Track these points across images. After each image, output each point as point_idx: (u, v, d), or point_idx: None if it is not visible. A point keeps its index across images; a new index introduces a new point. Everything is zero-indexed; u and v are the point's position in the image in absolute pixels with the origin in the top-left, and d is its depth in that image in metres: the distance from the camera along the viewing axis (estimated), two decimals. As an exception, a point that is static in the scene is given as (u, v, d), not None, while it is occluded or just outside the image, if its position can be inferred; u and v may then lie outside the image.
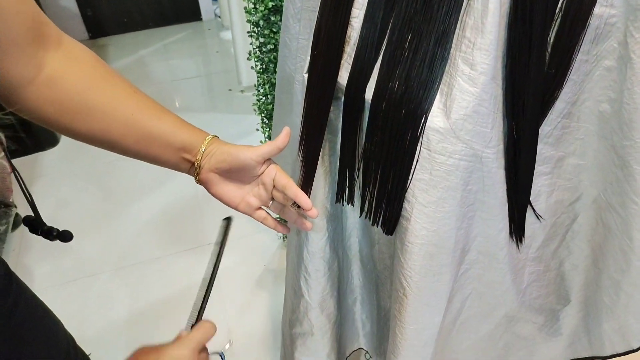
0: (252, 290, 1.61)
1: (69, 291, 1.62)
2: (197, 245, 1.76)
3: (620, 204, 0.55)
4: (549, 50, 0.49)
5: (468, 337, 0.71)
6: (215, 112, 2.49)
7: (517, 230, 0.58)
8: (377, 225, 0.60)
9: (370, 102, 0.54)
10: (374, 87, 0.53)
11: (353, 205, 0.66)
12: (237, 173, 0.61)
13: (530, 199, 0.58)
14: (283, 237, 1.71)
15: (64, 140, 2.34)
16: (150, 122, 0.58)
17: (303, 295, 0.80)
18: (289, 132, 0.59)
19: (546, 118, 0.53)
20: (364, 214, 0.62)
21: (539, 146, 0.55)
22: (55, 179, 2.12)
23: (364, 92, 0.54)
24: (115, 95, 0.56)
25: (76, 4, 3.20)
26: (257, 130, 1.35)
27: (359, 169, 0.61)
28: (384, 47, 0.52)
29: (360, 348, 0.98)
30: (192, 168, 0.62)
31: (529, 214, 0.59)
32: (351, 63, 0.55)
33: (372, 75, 0.54)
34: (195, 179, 0.64)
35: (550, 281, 0.67)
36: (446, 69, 0.50)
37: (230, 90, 2.62)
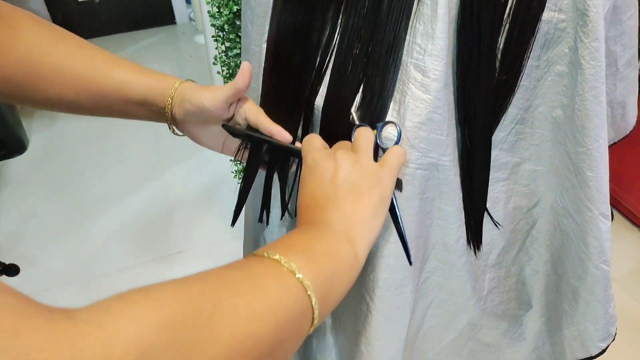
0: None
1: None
2: (167, 254, 1.73)
3: (576, 211, 0.55)
4: (499, 56, 0.48)
5: (432, 347, 0.70)
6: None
7: (474, 237, 0.57)
8: None
9: (320, 109, 0.53)
10: (324, 94, 0.52)
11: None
12: (207, 119, 0.55)
13: (488, 205, 0.57)
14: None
15: (32, 147, 2.28)
16: (100, 77, 0.53)
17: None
18: (249, 69, 0.51)
19: (500, 124, 0.53)
20: None
21: (494, 152, 0.54)
22: (22, 187, 2.06)
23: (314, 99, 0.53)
24: (60, 55, 0.52)
25: (46, 8, 3.13)
26: (226, 136, 1.34)
27: None
28: (333, 55, 0.51)
29: None
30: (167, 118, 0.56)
31: (487, 220, 0.58)
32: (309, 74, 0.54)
33: (322, 82, 0.53)
34: (170, 130, 0.59)
35: (511, 287, 0.67)
36: (398, 76, 0.49)
37: (204, 95, 2.59)
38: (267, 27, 0.57)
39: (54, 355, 0.18)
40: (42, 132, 2.37)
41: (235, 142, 0.59)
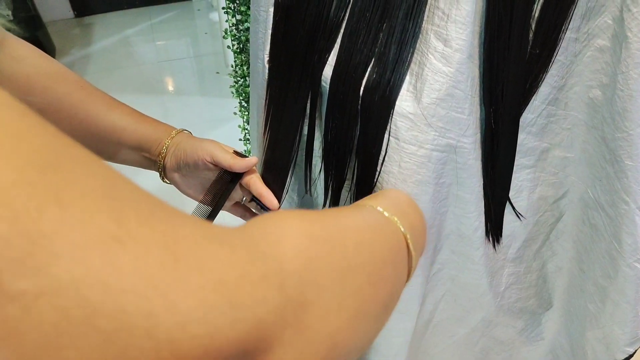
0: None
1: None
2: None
3: (610, 203, 0.50)
4: (533, 26, 0.43)
5: (442, 340, 0.66)
6: (202, 96, 2.41)
7: (493, 229, 0.52)
8: None
9: (328, 81, 0.48)
10: (333, 63, 0.47)
11: (311, 196, 0.61)
12: (194, 172, 0.57)
13: (511, 194, 0.52)
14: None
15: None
16: (96, 118, 0.53)
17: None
18: (255, 162, 0.56)
19: (529, 105, 0.47)
20: (326, 204, 0.56)
21: (521, 136, 0.49)
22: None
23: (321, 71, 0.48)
24: (60, 92, 0.52)
25: (61, -18, 3.09)
26: (235, 114, 1.29)
27: (324, 157, 0.55)
28: (345, 20, 0.46)
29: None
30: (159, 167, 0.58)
31: (509, 211, 0.53)
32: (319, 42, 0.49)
33: (332, 50, 0.47)
34: (161, 178, 0.60)
35: (531, 283, 0.61)
36: (417, 45, 0.44)
37: (217, 73, 2.54)
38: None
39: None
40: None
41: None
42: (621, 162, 0.46)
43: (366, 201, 0.37)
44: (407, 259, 0.36)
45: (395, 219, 0.36)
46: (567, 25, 0.43)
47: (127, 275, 0.14)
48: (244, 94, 1.23)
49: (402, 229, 0.35)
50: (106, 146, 0.55)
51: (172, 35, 2.97)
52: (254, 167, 0.58)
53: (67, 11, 3.14)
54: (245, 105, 1.25)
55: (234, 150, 0.57)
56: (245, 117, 1.28)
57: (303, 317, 0.21)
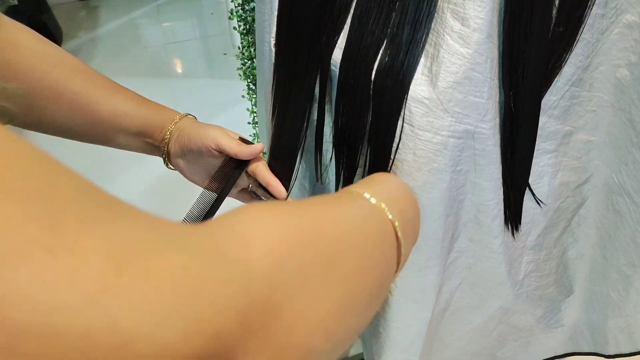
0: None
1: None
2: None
3: (636, 189, 0.47)
4: (557, 2, 0.40)
5: (458, 328, 0.64)
6: (210, 78, 2.38)
7: (512, 216, 0.50)
8: None
9: (338, 64, 0.45)
10: (343, 46, 0.45)
11: (322, 183, 0.59)
12: (199, 159, 0.55)
13: (531, 180, 0.50)
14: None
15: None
16: (96, 103, 0.51)
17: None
18: (261, 149, 0.53)
19: (551, 86, 0.44)
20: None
21: (543, 119, 0.46)
22: (43, 146, 2.05)
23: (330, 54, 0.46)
24: (59, 76, 0.50)
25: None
26: (243, 97, 1.27)
27: (335, 144, 0.53)
28: (354, 0, 0.44)
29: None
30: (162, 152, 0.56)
31: (528, 198, 0.51)
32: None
33: (341, 32, 0.45)
34: (165, 164, 0.58)
35: (551, 271, 0.60)
36: (432, 25, 0.41)
37: (225, 54, 2.51)
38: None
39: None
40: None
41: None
42: (650, 146, 0.44)
43: (352, 188, 0.35)
44: (395, 248, 0.34)
45: (383, 205, 0.33)
46: (593, 0, 0.40)
47: (59, 291, 0.12)
48: (251, 77, 1.20)
49: (390, 216, 0.33)
50: (108, 132, 0.53)
51: (178, 16, 2.93)
52: (261, 154, 0.57)
53: (73, -6, 3.11)
54: (254, 87, 1.23)
55: (240, 137, 0.56)
56: (253, 100, 1.25)
57: (271, 323, 0.20)
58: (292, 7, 0.48)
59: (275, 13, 0.51)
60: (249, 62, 1.17)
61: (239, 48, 1.18)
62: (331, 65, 0.47)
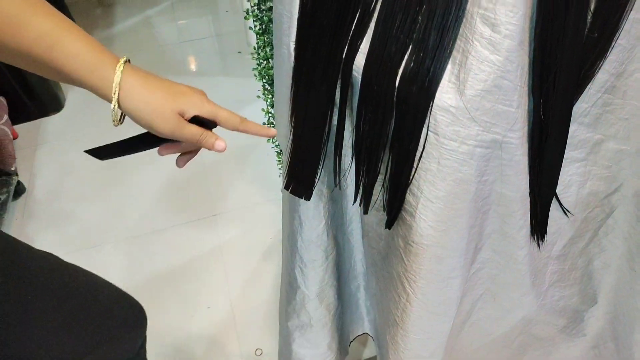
0: (257, 262, 1.55)
1: (73, 261, 1.59)
2: (202, 217, 1.70)
3: (670, 200, 0.45)
4: (592, 7, 0.38)
5: (479, 339, 0.63)
6: (225, 76, 2.38)
7: (538, 227, 0.49)
8: (366, 213, 0.52)
9: (360, 70, 0.44)
10: (366, 51, 0.43)
11: (340, 189, 0.58)
12: None
13: (558, 190, 0.48)
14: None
15: (69, 105, 2.28)
16: (24, 26, 0.41)
17: (299, 286, 0.72)
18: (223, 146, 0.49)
19: (583, 93, 0.43)
20: (357, 200, 0.53)
21: (573, 127, 0.45)
22: (59, 145, 2.07)
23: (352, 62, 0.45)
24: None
25: (82, -39, 3.07)
26: (258, 97, 1.26)
27: (355, 151, 0.52)
28: (379, 2, 0.42)
29: (365, 333, 0.92)
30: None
31: (555, 207, 0.49)
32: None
33: (364, 36, 0.44)
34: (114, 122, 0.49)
35: (575, 281, 0.58)
36: (460, 30, 0.40)
37: (239, 52, 2.50)
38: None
39: None
40: (78, 90, 2.36)
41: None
42: (687, 157, 0.42)
43: None
44: None
45: None
46: (632, 4, 0.38)
47: None
48: (267, 77, 1.19)
49: None
50: (43, 67, 0.44)
51: (193, 14, 2.93)
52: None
53: (89, -9, 3.13)
54: (269, 88, 1.22)
55: (194, 118, 0.47)
56: (268, 101, 1.25)
57: None
58: (314, 10, 0.47)
59: (296, 16, 0.50)
60: (265, 62, 1.16)
61: (254, 48, 1.17)
62: (353, 70, 0.46)
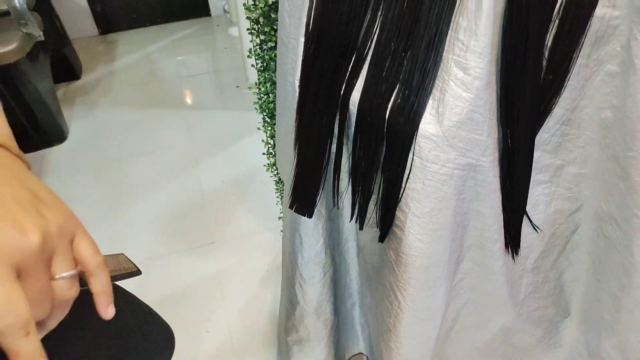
0: (255, 288, 1.60)
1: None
2: (200, 245, 1.75)
3: (622, 218, 0.53)
4: (546, 54, 0.46)
5: (463, 347, 0.69)
6: (223, 109, 2.48)
7: (512, 241, 0.56)
8: (361, 229, 0.59)
9: (356, 104, 0.52)
10: (360, 89, 0.51)
11: (338, 209, 0.65)
12: None
13: (528, 208, 0.55)
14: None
15: (72, 136, 2.35)
16: None
17: (299, 302, 0.78)
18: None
19: (544, 125, 0.51)
20: (354, 218, 0.60)
21: (537, 154, 0.52)
22: (63, 175, 2.13)
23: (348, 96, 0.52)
24: None
25: (86, 0, 3.20)
26: (259, 129, 1.34)
27: (352, 174, 0.59)
28: (372, 49, 0.50)
29: (360, 353, 0.96)
30: None
31: (526, 224, 0.56)
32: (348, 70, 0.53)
33: (359, 76, 0.52)
34: None
35: (549, 293, 0.64)
36: (438, 73, 0.48)
37: (237, 87, 2.61)
38: (304, 19, 0.56)
39: None
40: (82, 121, 2.43)
41: None
42: (632, 178, 0.49)
43: None
44: None
45: None
46: (577, 53, 0.46)
47: None
48: (267, 110, 1.28)
49: None
50: None
51: (193, 50, 3.06)
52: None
53: (92, 29, 3.25)
54: (269, 120, 1.30)
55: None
56: (268, 132, 1.32)
57: None
58: (316, 55, 0.55)
59: (300, 58, 0.58)
60: (265, 96, 1.25)
61: (255, 84, 1.25)
62: (350, 105, 0.53)
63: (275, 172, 1.50)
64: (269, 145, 1.38)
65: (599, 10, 0.44)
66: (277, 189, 1.58)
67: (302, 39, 0.57)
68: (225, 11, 3.47)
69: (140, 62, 2.94)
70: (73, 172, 2.17)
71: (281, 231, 1.76)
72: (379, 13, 0.50)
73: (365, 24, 0.51)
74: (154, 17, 3.37)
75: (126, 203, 1.98)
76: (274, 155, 1.40)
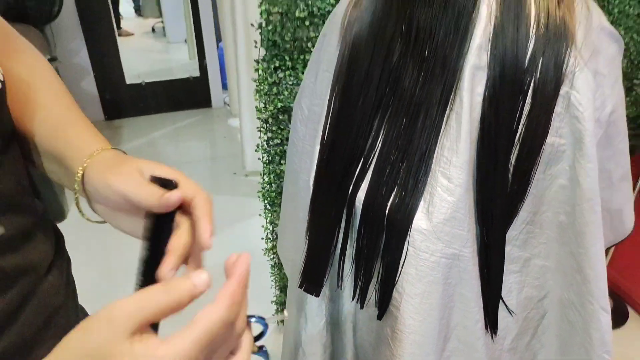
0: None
1: None
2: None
3: (580, 304, 0.63)
4: (511, 170, 0.59)
5: None
6: (220, 195, 2.60)
7: (490, 322, 0.65)
8: (362, 308, 0.68)
9: (361, 202, 0.64)
10: (365, 190, 0.63)
11: (341, 289, 0.74)
12: (116, 213, 0.47)
13: (503, 294, 0.66)
14: (278, 322, 1.74)
15: (72, 215, 2.42)
16: (54, 137, 0.49)
17: (299, 376, 0.84)
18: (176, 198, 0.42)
19: (512, 224, 0.63)
20: (355, 298, 0.69)
21: (508, 247, 0.64)
22: (59, 251, 2.17)
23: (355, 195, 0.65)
24: (43, 96, 0.52)
25: (96, 87, 3.43)
26: (260, 215, 1.45)
27: (353, 260, 0.70)
28: (375, 159, 0.63)
29: None
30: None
31: (502, 308, 0.66)
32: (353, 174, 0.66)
33: (364, 179, 0.64)
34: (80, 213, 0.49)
35: (525, 373, 0.73)
36: (428, 180, 0.61)
37: (235, 174, 2.76)
38: (320, 132, 0.70)
39: None
40: (83, 203, 2.52)
41: None
42: (584, 271, 0.61)
43: None
44: None
45: None
46: (535, 169, 0.60)
47: None
48: (269, 198, 1.40)
49: None
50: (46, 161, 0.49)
51: (194, 137, 3.25)
52: (197, 192, 0.46)
53: (99, 114, 3.46)
54: (269, 207, 1.42)
55: (153, 178, 0.44)
56: (268, 218, 1.43)
57: None
58: (329, 160, 0.68)
59: (315, 162, 0.71)
60: (268, 186, 1.38)
61: (260, 174, 1.39)
62: (356, 202, 0.65)
63: (272, 256, 1.59)
64: (268, 231, 1.49)
65: (549, 139, 0.58)
66: (272, 273, 1.65)
67: (318, 147, 0.70)
68: (225, 103, 3.73)
69: (144, 147, 3.11)
70: (73, 249, 2.21)
71: (273, 314, 1.79)
72: (382, 132, 0.63)
73: (370, 140, 0.64)
74: (160, 107, 3.60)
75: (120, 285, 2.02)
76: (272, 240, 1.50)
